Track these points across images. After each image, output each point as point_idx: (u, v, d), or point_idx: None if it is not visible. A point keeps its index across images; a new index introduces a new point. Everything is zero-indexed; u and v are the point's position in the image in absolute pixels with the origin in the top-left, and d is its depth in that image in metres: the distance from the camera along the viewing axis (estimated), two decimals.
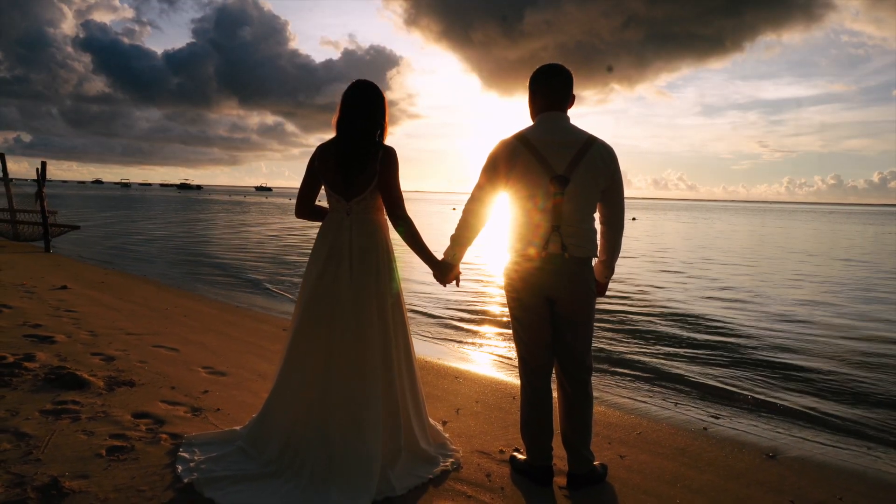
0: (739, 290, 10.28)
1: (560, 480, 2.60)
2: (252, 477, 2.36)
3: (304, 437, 2.46)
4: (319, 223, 2.68)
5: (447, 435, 2.97)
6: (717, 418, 3.95)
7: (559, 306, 2.47)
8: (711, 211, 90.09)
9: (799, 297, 9.82)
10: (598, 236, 2.49)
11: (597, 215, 2.50)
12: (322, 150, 2.58)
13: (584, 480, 2.57)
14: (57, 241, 12.02)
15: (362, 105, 2.54)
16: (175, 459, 2.48)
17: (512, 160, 2.38)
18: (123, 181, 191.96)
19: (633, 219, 45.71)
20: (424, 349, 5.27)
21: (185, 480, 2.30)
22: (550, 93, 2.42)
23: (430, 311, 7.57)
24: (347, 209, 2.54)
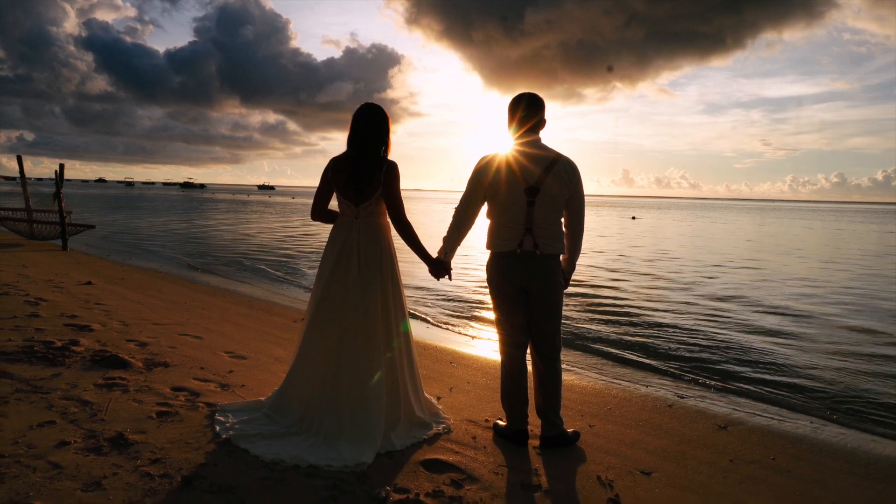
0: (729, 288, 10.75)
1: (535, 442, 3.10)
2: (277, 435, 2.86)
3: (320, 406, 2.95)
4: (331, 225, 3.17)
5: (440, 407, 3.47)
6: (683, 398, 4.44)
7: (533, 295, 2.96)
8: (714, 210, 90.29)
9: (786, 294, 10.28)
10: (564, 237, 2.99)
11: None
12: (335, 162, 3.07)
13: (553, 442, 3.06)
14: (71, 240, 12.51)
15: (370, 125, 3.02)
16: (213, 422, 2.98)
17: (492, 174, 2.88)
18: (127, 180, 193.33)
19: (633, 217, 46.13)
20: (423, 338, 5.76)
21: (223, 437, 2.80)
22: (524, 117, 2.92)
23: (428, 305, 8.07)
24: (356, 213, 3.03)
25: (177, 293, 7.56)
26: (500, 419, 3.32)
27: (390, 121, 3.10)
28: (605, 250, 17.63)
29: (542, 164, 2.85)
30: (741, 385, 4.95)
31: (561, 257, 3.02)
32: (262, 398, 3.31)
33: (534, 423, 3.16)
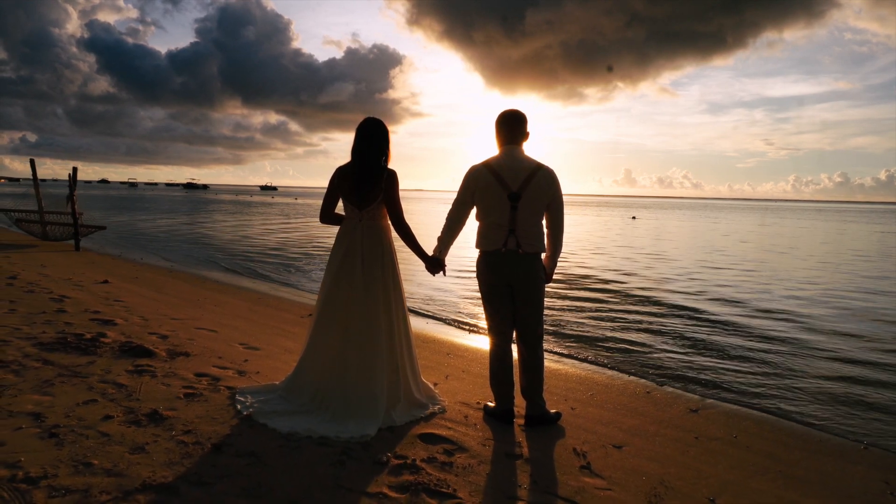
0: (725, 288, 11.10)
1: (520, 421, 3.47)
2: (292, 412, 3.24)
3: (328, 388, 3.33)
4: (338, 227, 3.55)
5: (437, 391, 3.84)
6: (661, 385, 4.81)
7: (516, 290, 3.34)
8: (717, 210, 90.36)
9: (781, 295, 10.63)
10: (545, 238, 3.37)
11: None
12: (341, 171, 3.45)
13: (536, 420, 3.44)
14: (82, 240, 12.89)
15: (372, 138, 3.40)
16: (233, 402, 3.37)
17: (480, 181, 3.26)
18: (131, 181, 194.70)
19: (634, 217, 46.45)
20: (423, 331, 6.13)
21: (245, 414, 3.19)
22: (509, 132, 3.31)
23: (427, 302, 8.44)
24: (359, 217, 3.41)
25: (188, 291, 7.96)
26: (491, 402, 3.69)
27: (390, 133, 3.49)
28: (604, 250, 17.99)
29: (525, 173, 3.23)
30: (718, 370, 5.31)
31: (543, 256, 3.40)
32: (276, 383, 3.69)
33: (520, 405, 3.53)
